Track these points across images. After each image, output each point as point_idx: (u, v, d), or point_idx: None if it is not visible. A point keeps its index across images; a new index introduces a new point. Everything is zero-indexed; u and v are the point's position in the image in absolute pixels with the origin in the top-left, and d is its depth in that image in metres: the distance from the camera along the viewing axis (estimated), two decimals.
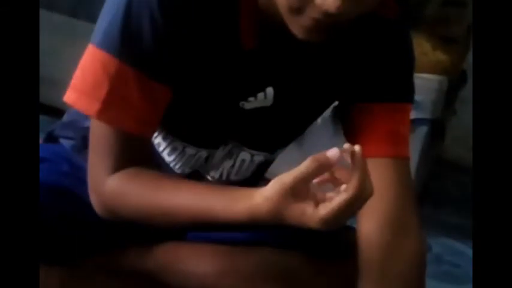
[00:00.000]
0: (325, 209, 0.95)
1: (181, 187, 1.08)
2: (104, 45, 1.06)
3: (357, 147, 0.94)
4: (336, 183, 0.96)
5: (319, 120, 1.98)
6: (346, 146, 0.95)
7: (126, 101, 1.07)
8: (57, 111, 1.13)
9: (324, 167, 0.96)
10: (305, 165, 0.95)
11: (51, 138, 1.33)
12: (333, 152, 0.95)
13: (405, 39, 1.21)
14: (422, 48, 2.33)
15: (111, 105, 1.07)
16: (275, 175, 1.73)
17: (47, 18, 1.31)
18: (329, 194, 0.96)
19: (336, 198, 0.94)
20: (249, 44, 1.10)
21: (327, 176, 0.98)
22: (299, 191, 0.96)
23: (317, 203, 0.95)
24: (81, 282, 1.18)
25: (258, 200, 0.98)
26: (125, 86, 1.06)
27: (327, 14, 0.98)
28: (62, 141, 1.31)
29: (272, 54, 1.13)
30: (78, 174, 1.16)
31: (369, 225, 1.16)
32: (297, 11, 1.01)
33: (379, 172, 1.16)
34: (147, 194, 1.09)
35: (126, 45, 1.05)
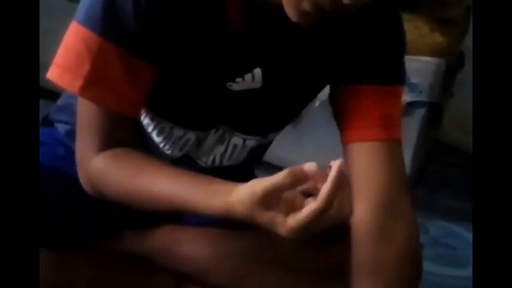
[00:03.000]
0: (293, 219, 0.94)
1: (163, 174, 1.08)
2: (86, 22, 1.06)
3: (336, 163, 0.93)
4: (317, 193, 0.95)
5: (316, 103, 1.98)
6: (332, 163, 0.94)
7: (109, 78, 1.07)
8: (53, 94, 1.13)
9: (300, 180, 0.95)
10: (280, 177, 0.94)
11: (47, 122, 1.33)
12: (310, 166, 0.94)
13: (395, 20, 1.20)
14: (420, 30, 2.32)
15: (94, 82, 1.06)
16: (273, 158, 1.74)
17: (44, 2, 1.30)
18: (307, 201, 0.95)
19: (304, 209, 0.93)
20: (236, 24, 1.10)
21: (311, 185, 0.96)
22: (271, 199, 0.95)
23: (288, 212, 0.95)
24: (78, 266, 1.18)
25: (234, 198, 0.98)
26: (107, 63, 1.06)
27: (334, 2, 0.97)
28: (57, 125, 1.31)
29: (259, 35, 1.12)
30: (74, 158, 1.16)
31: (361, 208, 1.15)
32: None
33: (371, 155, 1.17)
34: (129, 178, 1.09)
35: (108, 22, 1.05)
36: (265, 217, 0.95)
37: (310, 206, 0.93)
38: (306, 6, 1.00)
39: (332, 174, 0.92)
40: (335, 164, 0.92)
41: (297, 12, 1.01)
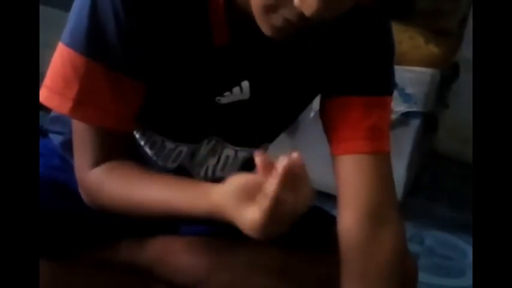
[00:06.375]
0: (253, 214, 0.95)
1: (154, 181, 1.10)
2: (71, 44, 1.07)
3: (282, 161, 0.92)
4: None
5: (311, 114, 1.98)
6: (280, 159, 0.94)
7: (97, 97, 1.08)
8: None
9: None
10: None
11: (41, 132, 1.33)
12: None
13: (384, 29, 1.19)
14: (415, 41, 2.33)
15: (83, 103, 1.08)
16: None
17: (42, 13, 1.30)
18: (259, 197, 0.95)
19: (258, 207, 0.94)
20: (221, 38, 1.10)
21: None
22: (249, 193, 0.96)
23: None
24: (74, 276, 1.18)
25: (215, 198, 1.00)
26: (94, 82, 1.07)
27: (301, 17, 0.98)
28: (52, 136, 1.31)
29: (245, 48, 1.12)
30: (70, 168, 1.17)
31: (349, 219, 1.17)
32: (271, 9, 1.00)
33: (358, 168, 1.17)
34: (123, 187, 1.11)
35: (93, 42, 1.06)
36: (240, 210, 0.96)
37: (262, 205, 0.93)
38: (276, 21, 1.01)
39: (278, 172, 0.92)
40: (281, 163, 0.92)
41: (269, 27, 1.03)
